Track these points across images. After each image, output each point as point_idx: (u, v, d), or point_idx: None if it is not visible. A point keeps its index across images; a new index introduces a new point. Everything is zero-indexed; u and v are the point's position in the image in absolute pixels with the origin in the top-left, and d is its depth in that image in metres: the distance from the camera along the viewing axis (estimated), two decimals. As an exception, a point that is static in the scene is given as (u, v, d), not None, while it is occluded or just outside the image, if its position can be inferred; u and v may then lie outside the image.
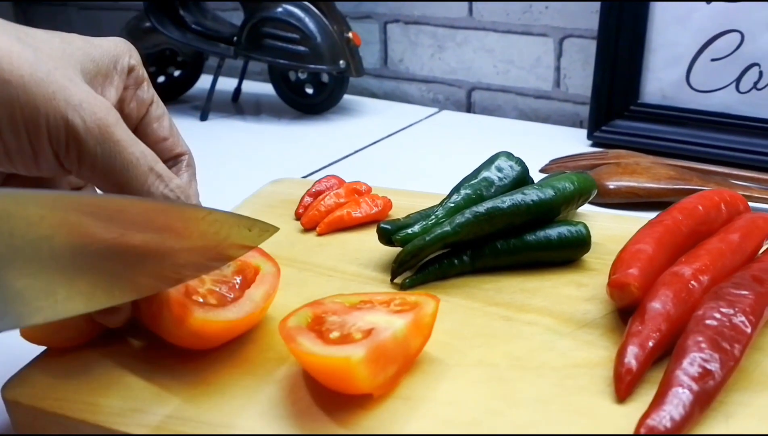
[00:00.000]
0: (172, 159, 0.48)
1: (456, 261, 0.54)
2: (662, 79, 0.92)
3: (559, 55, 1.05)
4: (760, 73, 0.87)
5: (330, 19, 1.05)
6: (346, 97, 1.16)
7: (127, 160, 0.41)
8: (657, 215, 0.54)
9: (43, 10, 1.59)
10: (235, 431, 0.40)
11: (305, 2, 1.05)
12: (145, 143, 0.43)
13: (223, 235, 0.43)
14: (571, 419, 0.40)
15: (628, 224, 0.60)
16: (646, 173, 0.78)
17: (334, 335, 0.42)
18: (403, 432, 0.39)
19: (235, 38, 1.08)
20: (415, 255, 0.53)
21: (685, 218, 0.53)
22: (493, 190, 0.57)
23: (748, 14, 0.86)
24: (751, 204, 0.70)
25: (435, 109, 1.12)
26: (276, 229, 0.47)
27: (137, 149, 0.41)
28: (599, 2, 0.92)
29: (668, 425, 0.37)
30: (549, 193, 0.55)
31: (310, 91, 1.11)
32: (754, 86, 0.88)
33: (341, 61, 1.04)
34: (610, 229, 0.60)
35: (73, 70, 0.41)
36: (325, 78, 1.09)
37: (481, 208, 0.53)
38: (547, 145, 0.94)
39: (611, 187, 0.76)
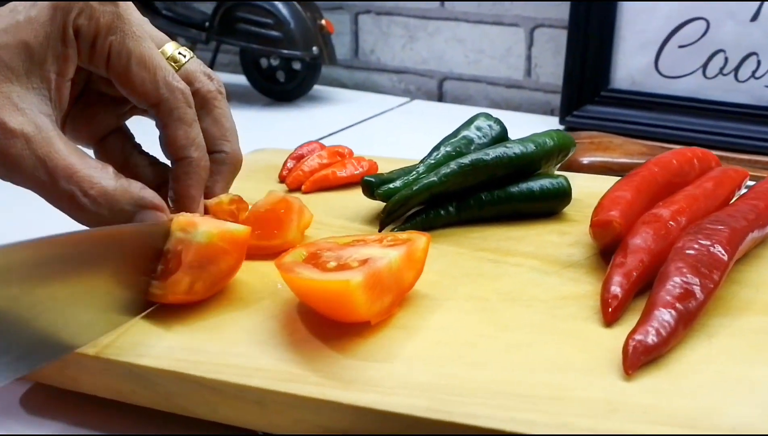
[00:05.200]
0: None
1: (442, 212, 0.55)
2: (632, 66, 0.95)
3: (529, 45, 1.07)
4: (726, 59, 0.90)
5: (303, 5, 1.07)
6: (317, 87, 1.18)
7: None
8: (634, 169, 0.56)
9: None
10: (237, 359, 0.41)
11: (279, -11, 1.06)
12: None
13: None
14: (561, 340, 0.41)
15: (605, 182, 0.62)
16: (618, 149, 0.80)
17: (331, 264, 0.43)
18: (400, 356, 0.41)
19: (207, 23, 1.09)
20: (402, 205, 0.54)
21: (660, 170, 0.55)
22: (472, 149, 0.59)
23: (712, 2, 0.89)
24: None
25: (406, 99, 1.14)
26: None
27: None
28: (569, -9, 0.95)
29: (654, 339, 0.39)
30: (530, 147, 0.56)
31: (281, 78, 1.12)
32: (720, 72, 0.91)
33: (314, 48, 1.06)
34: (588, 187, 0.62)
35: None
36: (296, 65, 1.11)
37: (466, 159, 0.55)
38: (518, 132, 0.96)
39: (585, 162, 0.79)
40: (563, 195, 0.56)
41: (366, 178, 0.57)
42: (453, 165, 0.54)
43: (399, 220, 0.55)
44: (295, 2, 1.06)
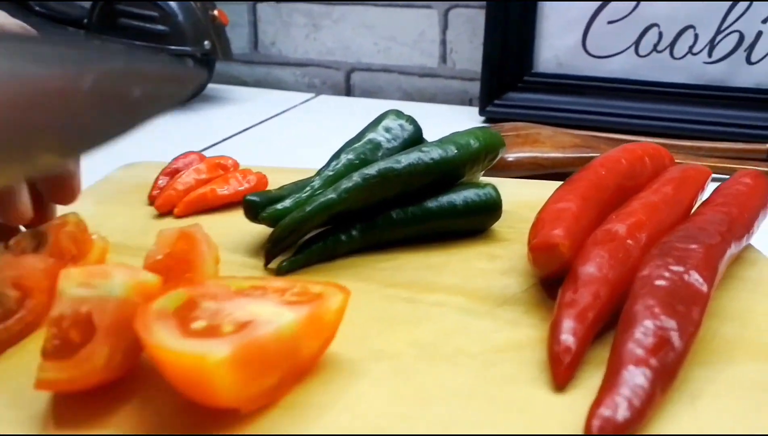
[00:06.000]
0: None
1: (344, 237, 0.44)
2: (557, 46, 0.86)
3: (444, 28, 0.97)
4: (660, 35, 0.81)
5: (192, -5, 0.94)
6: (212, 85, 1.05)
7: None
8: (576, 172, 0.46)
9: None
10: None
11: (162, -23, 0.94)
12: None
13: None
14: (500, 415, 0.31)
15: (539, 189, 0.52)
16: (548, 142, 0.71)
17: (198, 324, 0.31)
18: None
19: (85, 20, 0.96)
20: (293, 231, 0.43)
21: (608, 173, 0.46)
22: (380, 155, 0.48)
23: (644, -30, 0.80)
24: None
25: (311, 95, 1.03)
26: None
27: None
28: (486, -34, 0.85)
29: (627, 414, 0.29)
30: (451, 150, 0.46)
31: (172, 78, 1.00)
32: (654, 49, 0.82)
33: (206, 42, 0.93)
34: (519, 195, 0.52)
35: None
36: (188, 62, 0.98)
37: (372, 169, 0.44)
38: (435, 126, 0.86)
39: (511, 159, 0.68)
40: (492, 208, 0.46)
41: (248, 197, 0.45)
42: (356, 177, 0.43)
43: (291, 249, 0.44)
44: (182, -9, 0.94)
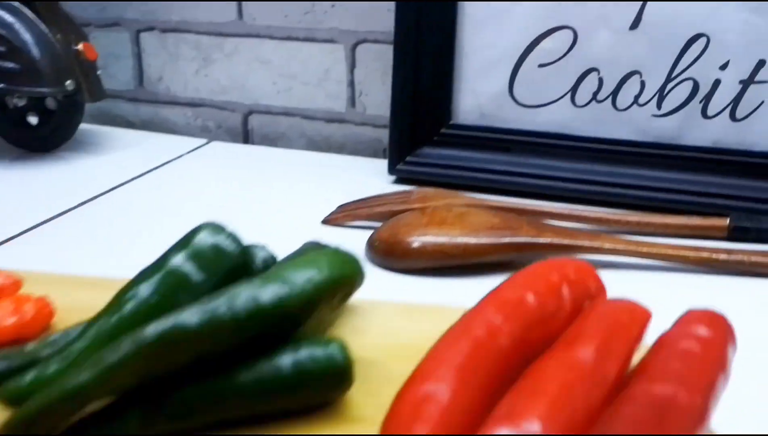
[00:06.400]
0: None
1: (116, 424, 0.30)
2: (479, 93, 0.72)
3: (352, 67, 0.83)
4: (600, 81, 0.68)
5: (51, 26, 0.79)
6: (90, 128, 0.90)
7: None
8: (462, 317, 0.32)
9: None
10: None
11: (13, 2, 0.78)
12: None
13: None
14: None
15: (425, 321, 0.38)
16: (459, 223, 0.56)
17: None
18: None
19: None
20: (31, 425, 0.28)
21: (506, 321, 0.32)
22: (183, 296, 0.33)
23: (580, 6, 0.67)
24: (600, 258, 0.51)
25: (204, 140, 0.88)
26: None
27: None
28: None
29: None
30: (279, 293, 0.31)
31: (33, 121, 0.84)
32: (594, 98, 0.69)
33: (68, 82, 0.78)
34: (395, 331, 0.38)
35: None
36: (51, 104, 0.83)
37: (151, 331, 0.29)
38: (341, 182, 0.72)
39: (415, 245, 0.54)
40: (335, 377, 0.32)
41: (-21, 365, 0.31)
42: (126, 345, 0.29)
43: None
44: (38, 22, 0.79)
